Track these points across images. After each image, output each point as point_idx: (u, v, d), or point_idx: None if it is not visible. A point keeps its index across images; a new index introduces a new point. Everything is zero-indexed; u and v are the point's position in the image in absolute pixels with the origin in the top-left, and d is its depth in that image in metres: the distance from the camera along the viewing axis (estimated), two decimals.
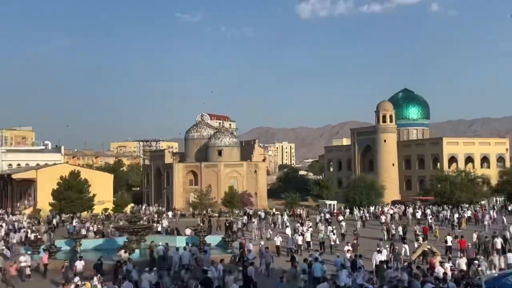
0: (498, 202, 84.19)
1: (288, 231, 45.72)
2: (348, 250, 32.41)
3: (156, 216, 68.84)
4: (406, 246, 36.12)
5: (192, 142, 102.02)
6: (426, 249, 35.29)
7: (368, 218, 65.41)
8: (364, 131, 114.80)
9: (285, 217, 62.53)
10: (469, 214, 59.58)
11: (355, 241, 37.37)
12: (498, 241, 35.77)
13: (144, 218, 64.51)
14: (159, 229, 53.04)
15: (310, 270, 27.66)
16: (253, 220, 61.09)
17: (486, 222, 53.96)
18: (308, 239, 42.32)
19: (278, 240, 39.87)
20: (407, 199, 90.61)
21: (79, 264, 30.19)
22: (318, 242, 41.69)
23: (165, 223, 56.96)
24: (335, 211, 75.56)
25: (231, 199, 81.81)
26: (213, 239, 43.27)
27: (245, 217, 62.23)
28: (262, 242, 38.48)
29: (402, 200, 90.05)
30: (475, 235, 38.68)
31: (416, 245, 36.43)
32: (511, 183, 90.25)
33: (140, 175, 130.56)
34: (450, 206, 72.81)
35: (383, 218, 56.82)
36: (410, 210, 67.12)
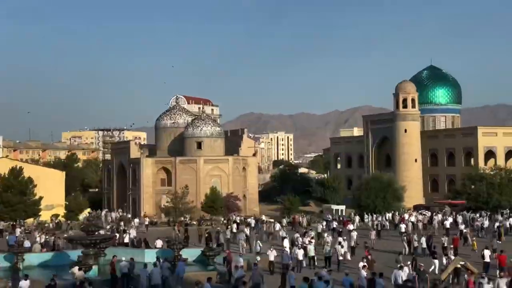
0: None
1: (286, 243, 45.69)
2: (364, 266, 32.46)
3: (122, 224, 68.75)
4: (436, 261, 36.16)
5: (164, 131, 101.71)
6: (459, 265, 35.31)
7: (384, 226, 65.52)
8: (379, 119, 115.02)
9: (278, 226, 62.47)
10: (507, 225, 59.67)
11: (369, 256, 37.41)
12: None
13: (107, 227, 64.40)
14: (126, 240, 52.82)
15: None
16: (242, 228, 61.02)
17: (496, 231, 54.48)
18: (312, 253, 42.35)
19: (272, 255, 39.80)
20: (432, 203, 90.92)
21: (25, 285, 30.00)
22: (323, 257, 41.78)
23: (133, 233, 56.85)
24: (343, 219, 75.70)
25: (213, 203, 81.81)
26: (190, 253, 43.23)
27: (234, 226, 62.20)
28: (258, 257, 38.38)
29: (427, 205, 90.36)
30: None
31: (445, 261, 36.48)
32: None
33: (99, 173, 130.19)
34: (487, 212, 73.16)
35: (403, 227, 56.82)
36: (439, 217, 67.20)
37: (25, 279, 30.34)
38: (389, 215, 74.99)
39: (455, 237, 46.67)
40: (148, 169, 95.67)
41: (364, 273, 31.60)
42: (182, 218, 76.72)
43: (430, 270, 34.27)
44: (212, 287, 28.36)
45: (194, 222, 76.01)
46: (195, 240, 56.73)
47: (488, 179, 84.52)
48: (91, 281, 29.96)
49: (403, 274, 30.80)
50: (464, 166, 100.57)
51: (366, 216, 75.37)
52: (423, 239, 47.66)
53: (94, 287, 28.53)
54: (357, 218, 73.51)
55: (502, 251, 37.94)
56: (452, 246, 44.50)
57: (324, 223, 67.02)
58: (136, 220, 75.42)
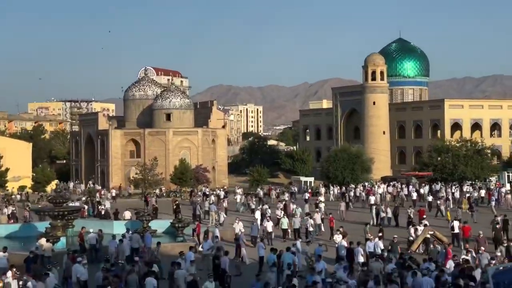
0: (511, 178, 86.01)
1: (258, 214, 45.79)
2: (344, 236, 33.59)
3: (98, 196, 68.42)
4: (412, 230, 37.10)
5: (133, 103, 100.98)
6: (428, 235, 35.88)
7: (353, 198, 66.03)
8: (348, 91, 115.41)
9: (239, 197, 62.21)
10: (482, 194, 60.45)
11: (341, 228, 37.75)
12: None
13: (83, 198, 64.23)
14: (102, 211, 52.80)
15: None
16: (212, 200, 61.09)
17: (492, 203, 55.33)
18: (285, 226, 42.44)
19: (237, 227, 39.75)
20: (400, 174, 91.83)
21: (1, 255, 29.64)
22: (293, 229, 42.01)
23: (107, 204, 56.71)
24: (311, 190, 76.15)
25: (182, 175, 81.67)
26: (159, 225, 43.30)
27: (213, 198, 61.79)
28: (216, 230, 38.41)
29: (394, 176, 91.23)
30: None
31: (413, 232, 36.92)
32: None
33: (66, 145, 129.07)
34: (458, 184, 73.99)
35: (372, 199, 57.23)
36: (409, 188, 67.67)
37: (4, 252, 30.03)
38: (359, 187, 75.35)
39: (421, 209, 47.17)
40: (116, 141, 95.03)
41: (344, 242, 32.16)
42: (158, 191, 76.38)
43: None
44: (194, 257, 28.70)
45: (163, 194, 75.93)
46: (170, 211, 56.46)
47: (454, 151, 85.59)
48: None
49: (375, 245, 31.41)
50: (431, 138, 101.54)
51: (331, 187, 75.58)
52: (389, 210, 48.32)
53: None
54: (322, 190, 73.59)
55: (466, 222, 38.52)
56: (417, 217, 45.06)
57: (287, 195, 67.13)
58: (113, 191, 74.93)
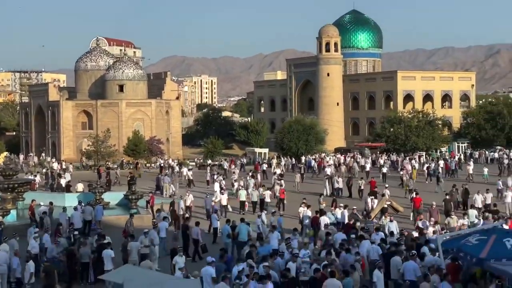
0: (461, 149, 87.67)
1: (216, 187, 45.51)
2: (308, 206, 34.18)
3: (58, 168, 67.40)
4: (369, 200, 37.64)
5: (84, 74, 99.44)
6: (385, 205, 36.42)
7: (307, 169, 66.28)
8: (302, 63, 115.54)
9: (185, 170, 61.29)
10: (441, 165, 61.26)
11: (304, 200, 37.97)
12: (479, 198, 37.19)
13: (43, 170, 63.19)
14: (63, 184, 52.17)
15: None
16: (167, 172, 60.76)
17: (425, 173, 56.56)
18: (243, 198, 42.03)
19: (188, 199, 39.63)
20: (353, 146, 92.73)
21: None
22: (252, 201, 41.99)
23: (68, 177, 55.90)
24: (260, 162, 76.31)
25: (135, 147, 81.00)
26: (113, 197, 43.01)
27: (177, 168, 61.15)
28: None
29: (348, 147, 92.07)
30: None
31: (370, 202, 37.42)
32: (476, 126, 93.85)
33: (16, 116, 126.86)
34: (417, 154, 75.02)
35: (328, 170, 57.37)
36: (363, 161, 68.11)
37: None
38: (314, 157, 75.72)
39: (372, 180, 47.39)
40: (68, 112, 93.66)
41: (308, 212, 32.51)
42: (104, 162, 75.64)
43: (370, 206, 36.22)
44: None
45: (116, 166, 75.25)
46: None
47: (406, 122, 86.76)
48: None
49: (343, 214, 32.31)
50: (384, 110, 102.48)
51: (284, 159, 75.58)
52: (340, 180, 48.84)
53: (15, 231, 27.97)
54: (273, 161, 73.72)
55: (417, 193, 38.99)
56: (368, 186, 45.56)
57: (233, 166, 66.98)
58: (70, 166, 73.83)
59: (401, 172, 54.65)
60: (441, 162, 62.28)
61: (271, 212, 34.34)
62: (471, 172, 56.03)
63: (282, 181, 47.50)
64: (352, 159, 69.37)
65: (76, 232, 28.18)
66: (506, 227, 25.16)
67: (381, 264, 21.11)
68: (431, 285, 19.14)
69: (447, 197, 37.31)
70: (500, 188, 43.01)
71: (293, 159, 75.53)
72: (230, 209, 40.76)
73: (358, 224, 29.95)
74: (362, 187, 45.88)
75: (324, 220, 30.77)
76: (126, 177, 55.88)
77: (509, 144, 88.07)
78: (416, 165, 63.04)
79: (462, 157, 73.44)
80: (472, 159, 69.92)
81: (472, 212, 32.77)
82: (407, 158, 70.32)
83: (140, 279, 16.35)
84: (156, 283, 15.66)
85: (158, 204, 38.55)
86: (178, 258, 22.93)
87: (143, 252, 25.32)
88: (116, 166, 71.49)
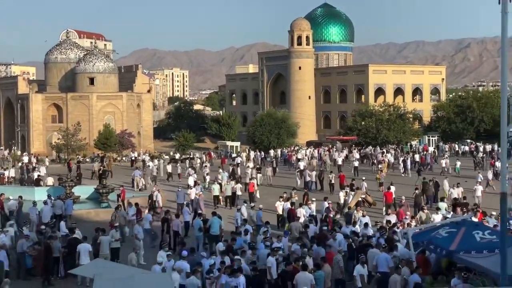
0: (431, 142, 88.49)
1: (191, 181, 45.26)
2: (288, 199, 34.47)
3: (34, 161, 66.65)
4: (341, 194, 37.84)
5: (54, 66, 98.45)
6: (360, 198, 36.61)
7: (278, 162, 66.38)
8: (274, 56, 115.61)
9: (151, 164, 60.70)
10: (417, 158, 61.76)
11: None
12: (455, 192, 37.25)
13: (19, 164, 62.71)
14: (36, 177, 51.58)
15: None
16: (138, 165, 60.41)
17: (408, 167, 56.99)
18: (216, 192, 41.58)
19: (158, 194, 39.29)
20: (325, 139, 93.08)
21: None
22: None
23: (43, 170, 55.29)
24: (230, 154, 76.33)
25: (106, 140, 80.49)
26: (83, 190, 42.75)
27: (156, 161, 60.56)
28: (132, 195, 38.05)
29: (319, 141, 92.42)
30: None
31: (342, 196, 37.55)
32: (446, 120, 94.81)
33: None
34: (392, 148, 75.57)
35: (301, 164, 57.43)
36: (337, 154, 68.24)
37: None
38: (284, 151, 75.85)
39: (341, 174, 47.55)
40: (37, 105, 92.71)
41: (288, 204, 32.94)
42: (74, 156, 75.10)
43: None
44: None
45: (88, 160, 74.79)
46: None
47: (378, 115, 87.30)
48: None
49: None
50: (355, 103, 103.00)
51: (254, 152, 75.51)
52: (313, 174, 48.95)
53: None
54: (244, 154, 73.72)
55: (389, 187, 39.15)
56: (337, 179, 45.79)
57: (198, 160, 66.71)
58: (47, 158, 73.15)
59: (379, 166, 54.78)
60: (417, 156, 62.78)
61: (250, 205, 34.36)
62: (444, 165, 56.69)
63: (259, 175, 47.77)
64: (328, 153, 69.66)
65: (43, 227, 27.84)
66: (475, 219, 25.45)
67: (364, 259, 21.05)
68: (402, 277, 19.31)
69: (417, 191, 37.31)
70: (480, 180, 43.61)
71: (262, 153, 75.61)
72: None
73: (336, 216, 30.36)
74: (333, 181, 46.19)
75: (301, 212, 31.06)
76: (98, 170, 55.66)
77: (479, 138, 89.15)
78: (392, 159, 63.53)
79: (436, 150, 74.12)
80: (447, 153, 70.71)
81: (442, 205, 33.11)
82: (384, 151, 70.74)
83: (110, 273, 16.23)
84: (127, 277, 15.55)
85: (129, 198, 38.35)
86: (162, 252, 22.75)
87: (113, 246, 25.20)
88: (94, 159, 71.26)
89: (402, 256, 21.45)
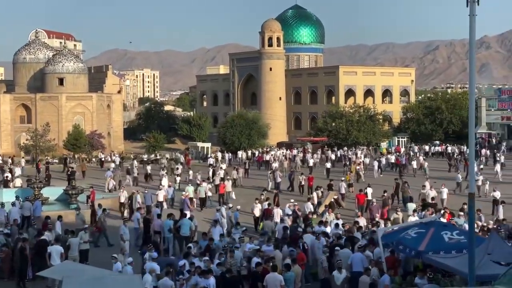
0: (401, 143, 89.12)
1: (165, 182, 44.90)
2: (267, 199, 34.88)
3: (10, 162, 65.61)
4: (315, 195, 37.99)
5: (23, 66, 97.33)
6: (333, 199, 36.74)
7: (250, 164, 66.26)
8: (245, 57, 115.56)
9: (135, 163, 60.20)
10: (392, 160, 62.08)
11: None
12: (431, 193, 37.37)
13: None
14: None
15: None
16: (109, 166, 59.93)
17: (375, 167, 57.64)
18: (203, 194, 40.97)
19: (122, 196, 38.59)
20: (295, 140, 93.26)
21: None
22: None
23: (18, 171, 54.52)
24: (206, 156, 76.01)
25: (76, 141, 79.78)
26: (52, 192, 42.34)
27: (135, 162, 60.14)
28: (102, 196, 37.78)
29: (290, 142, 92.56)
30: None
31: (315, 196, 37.61)
32: (416, 121, 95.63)
33: None
34: (365, 149, 76.03)
35: (274, 165, 57.43)
36: (309, 155, 68.22)
37: None
38: (255, 153, 75.82)
39: (310, 176, 47.35)
40: (5, 106, 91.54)
41: (265, 205, 33.60)
42: (43, 157, 74.28)
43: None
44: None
45: (56, 161, 74.04)
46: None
47: (348, 116, 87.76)
48: None
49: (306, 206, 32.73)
50: (326, 104, 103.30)
51: (221, 154, 75.21)
52: (280, 175, 49.21)
53: None
54: (219, 155, 73.52)
55: (361, 189, 39.18)
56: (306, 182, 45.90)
57: (164, 161, 66.22)
58: (23, 159, 72.15)
59: (358, 167, 54.87)
60: (392, 157, 63.08)
61: (228, 206, 34.32)
62: (415, 166, 57.31)
63: (227, 176, 47.78)
64: (303, 154, 69.84)
65: (5, 230, 27.38)
66: (443, 220, 25.71)
67: (340, 264, 20.96)
68: (371, 278, 19.41)
69: (385, 194, 36.95)
70: (459, 181, 43.97)
71: (230, 154, 75.52)
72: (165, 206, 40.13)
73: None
74: (303, 182, 46.20)
75: (278, 213, 31.18)
76: (67, 172, 55.18)
77: (447, 139, 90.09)
78: (367, 160, 63.69)
79: (410, 152, 74.54)
80: (423, 153, 71.59)
81: (411, 206, 33.38)
82: (357, 152, 71.05)
83: (79, 275, 16.10)
84: (96, 279, 15.44)
85: (99, 199, 38.05)
86: (150, 253, 22.50)
87: (82, 248, 25.01)
88: (70, 160, 70.59)
89: (376, 255, 21.55)
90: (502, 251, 18.63)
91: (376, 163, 59.26)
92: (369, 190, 38.66)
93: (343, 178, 44.80)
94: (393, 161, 61.89)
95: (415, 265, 21.43)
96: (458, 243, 19.60)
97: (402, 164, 60.35)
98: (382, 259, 20.88)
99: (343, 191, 41.39)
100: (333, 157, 66.66)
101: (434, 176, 50.53)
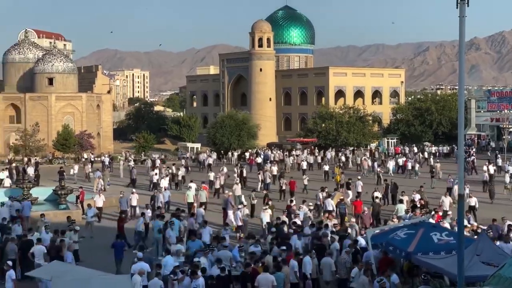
0: (390, 145, 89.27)
1: (166, 182, 44.59)
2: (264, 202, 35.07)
3: (26, 161, 65.34)
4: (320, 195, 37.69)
5: (13, 66, 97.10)
6: (339, 200, 36.56)
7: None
8: (235, 58, 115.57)
9: (131, 163, 59.81)
10: (400, 163, 61.24)
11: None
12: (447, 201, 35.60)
13: (12, 165, 61.31)
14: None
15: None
16: (97, 167, 59.69)
17: (365, 167, 57.53)
18: (204, 199, 39.09)
19: (100, 200, 37.39)
20: (285, 141, 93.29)
21: None
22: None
23: (30, 171, 54.26)
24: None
25: (65, 141, 79.57)
26: (42, 192, 42.16)
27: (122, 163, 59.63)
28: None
29: (280, 143, 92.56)
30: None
31: (321, 197, 37.17)
32: (405, 122, 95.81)
33: None
34: (349, 149, 76.15)
35: (267, 166, 56.94)
36: (304, 156, 67.81)
37: None
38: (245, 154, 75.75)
39: (291, 181, 45.19)
40: None
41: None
42: (32, 157, 73.96)
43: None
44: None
45: (45, 161, 73.79)
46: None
47: (338, 117, 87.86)
48: None
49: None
50: (316, 105, 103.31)
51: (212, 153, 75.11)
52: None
53: None
54: (214, 155, 73.41)
55: (358, 196, 38.87)
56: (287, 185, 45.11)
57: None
58: (36, 158, 71.66)
59: (339, 167, 54.63)
60: (401, 160, 61.94)
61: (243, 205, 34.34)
62: (409, 168, 57.41)
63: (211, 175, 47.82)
64: (310, 154, 69.99)
65: None
66: (432, 221, 25.75)
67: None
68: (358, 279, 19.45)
69: (377, 200, 35.85)
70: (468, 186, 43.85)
71: (215, 154, 75.33)
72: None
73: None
74: (284, 187, 44.37)
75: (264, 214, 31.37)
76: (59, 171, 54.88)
77: (437, 140, 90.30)
78: (370, 162, 62.93)
79: (420, 153, 74.00)
80: (416, 155, 71.73)
81: (401, 207, 33.34)
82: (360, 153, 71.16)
83: (68, 275, 16.03)
84: (84, 279, 15.39)
85: (88, 199, 37.89)
86: (139, 254, 22.41)
87: (73, 249, 24.89)
88: (63, 161, 70.38)
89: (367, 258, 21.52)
90: (491, 252, 18.69)
91: (391, 163, 59.32)
92: (359, 183, 39.09)
93: (359, 177, 44.71)
94: (401, 164, 60.94)
95: (401, 265, 21.49)
96: (447, 244, 19.66)
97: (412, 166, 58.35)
98: (371, 260, 20.89)
99: (359, 189, 41.41)
100: (304, 164, 65.53)
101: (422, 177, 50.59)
